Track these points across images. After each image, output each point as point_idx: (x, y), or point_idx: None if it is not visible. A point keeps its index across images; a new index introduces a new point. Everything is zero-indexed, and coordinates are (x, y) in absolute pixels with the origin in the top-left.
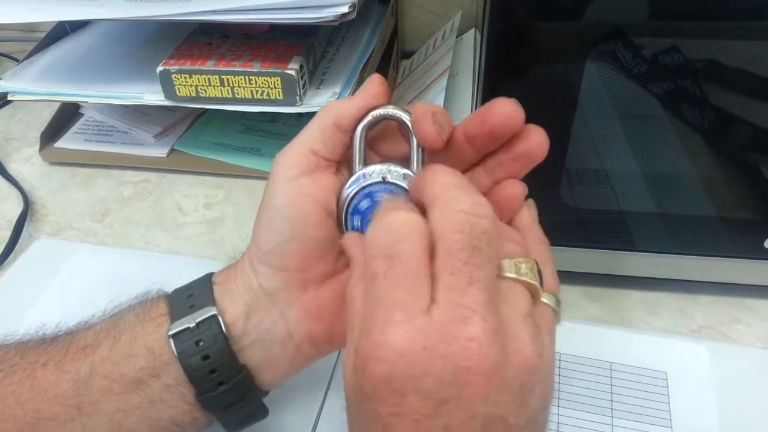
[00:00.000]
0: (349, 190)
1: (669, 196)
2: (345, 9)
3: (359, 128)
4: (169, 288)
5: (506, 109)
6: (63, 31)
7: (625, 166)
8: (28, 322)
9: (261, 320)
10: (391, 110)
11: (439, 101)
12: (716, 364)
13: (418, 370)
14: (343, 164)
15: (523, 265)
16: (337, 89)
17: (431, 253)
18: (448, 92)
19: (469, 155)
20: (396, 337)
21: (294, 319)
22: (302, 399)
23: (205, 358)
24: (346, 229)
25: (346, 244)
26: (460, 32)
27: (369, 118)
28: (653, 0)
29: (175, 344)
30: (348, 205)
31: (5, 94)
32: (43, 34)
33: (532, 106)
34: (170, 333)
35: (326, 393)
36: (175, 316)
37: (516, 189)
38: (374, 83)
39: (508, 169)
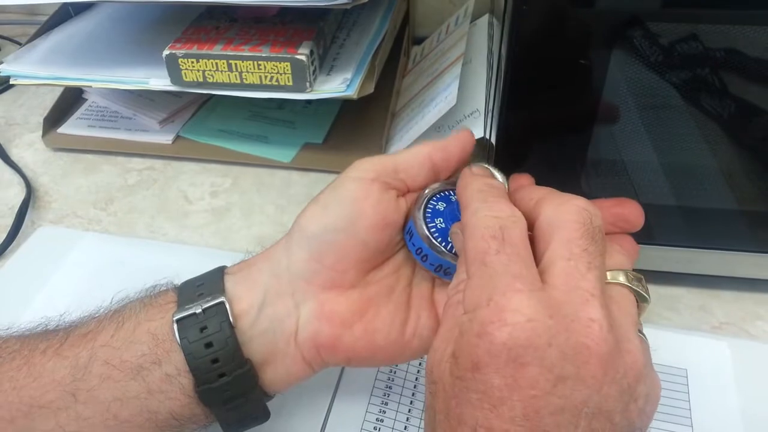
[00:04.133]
0: (426, 192)
1: (688, 188)
2: None
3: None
4: (178, 279)
5: (634, 212)
6: (66, 13)
7: (644, 157)
8: (30, 311)
9: (277, 308)
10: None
11: (453, 89)
12: (738, 362)
13: (543, 338)
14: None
15: (632, 276)
16: (348, 75)
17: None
18: (462, 80)
19: None
20: (523, 302)
21: (306, 316)
22: (308, 404)
23: (209, 345)
24: (426, 227)
25: (454, 231)
26: (474, 18)
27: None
28: None
29: (179, 329)
30: (425, 206)
31: (7, 78)
32: (46, 17)
33: (556, 95)
34: (175, 318)
35: (333, 398)
36: (182, 303)
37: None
38: (465, 139)
39: None
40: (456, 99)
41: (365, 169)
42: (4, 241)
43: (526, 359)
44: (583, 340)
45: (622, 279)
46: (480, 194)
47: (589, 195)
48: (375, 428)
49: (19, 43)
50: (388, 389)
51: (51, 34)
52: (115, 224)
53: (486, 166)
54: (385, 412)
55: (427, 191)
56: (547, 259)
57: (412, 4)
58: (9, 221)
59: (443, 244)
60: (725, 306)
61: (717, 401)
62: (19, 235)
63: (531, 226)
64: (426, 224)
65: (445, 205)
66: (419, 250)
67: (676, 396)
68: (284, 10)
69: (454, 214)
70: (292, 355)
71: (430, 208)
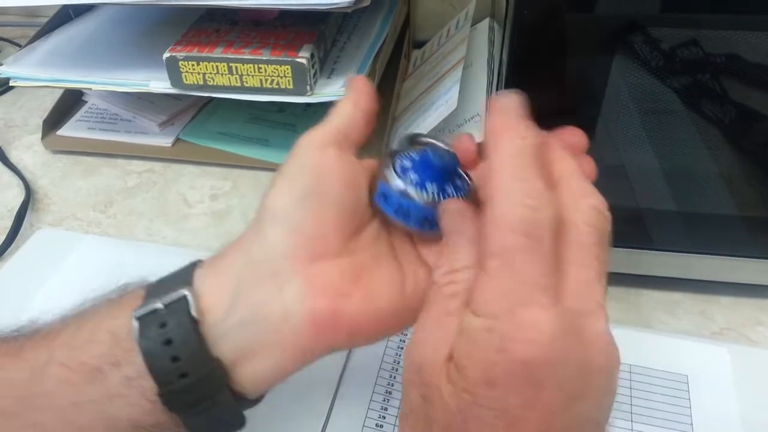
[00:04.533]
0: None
1: (688, 193)
2: None
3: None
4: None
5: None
6: (66, 15)
7: (644, 161)
8: (29, 314)
9: (254, 295)
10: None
11: (454, 93)
12: (738, 368)
13: (560, 358)
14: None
15: None
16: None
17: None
18: (462, 83)
19: None
20: (547, 321)
21: (294, 296)
22: (308, 408)
23: (168, 342)
24: (401, 181)
25: (454, 209)
26: (474, 21)
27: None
28: None
29: (139, 327)
30: (393, 165)
31: (7, 80)
32: (46, 19)
33: (556, 100)
34: (135, 315)
35: (333, 402)
36: (147, 299)
37: (577, 137)
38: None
39: None
40: (457, 103)
41: (312, 139)
42: (2, 243)
43: (544, 379)
44: (592, 356)
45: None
46: (515, 162)
47: None
48: None
49: (19, 45)
50: (388, 394)
51: (51, 36)
52: (114, 227)
53: (510, 95)
54: (385, 417)
55: (388, 154)
56: (559, 260)
57: (413, 7)
58: (8, 223)
59: (424, 193)
60: (725, 312)
61: (718, 407)
62: (18, 237)
63: None
64: (400, 178)
65: (410, 163)
66: (399, 208)
67: (677, 402)
68: (285, 14)
69: (423, 167)
70: (283, 344)
71: (397, 165)
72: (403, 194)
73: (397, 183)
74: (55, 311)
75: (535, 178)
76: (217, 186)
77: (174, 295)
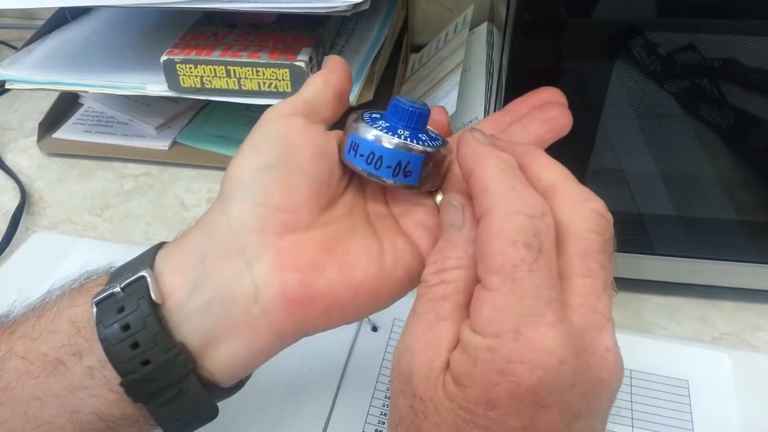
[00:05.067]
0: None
1: (688, 198)
2: None
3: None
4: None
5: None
6: (63, 18)
7: (643, 166)
8: None
9: (220, 272)
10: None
11: (452, 96)
12: (739, 373)
13: (569, 381)
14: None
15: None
16: None
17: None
18: (461, 87)
19: None
20: (555, 340)
21: (265, 270)
22: (308, 412)
23: (126, 327)
24: (371, 126)
25: (455, 203)
26: (473, 26)
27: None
28: None
29: (96, 313)
30: (361, 118)
31: (3, 83)
32: (42, 21)
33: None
34: (94, 300)
35: (333, 405)
36: (108, 285)
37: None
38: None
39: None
40: (455, 106)
41: (280, 109)
42: None
43: (549, 402)
44: (600, 375)
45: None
46: (502, 176)
47: None
48: None
49: (15, 48)
50: (387, 399)
51: (47, 39)
52: (110, 231)
53: (481, 130)
54: (384, 423)
55: (355, 115)
56: (562, 272)
57: (411, 11)
58: (3, 227)
59: (395, 138)
60: (726, 317)
61: (719, 413)
62: (13, 241)
63: None
64: (370, 126)
65: (379, 114)
66: (371, 157)
67: (677, 408)
68: (283, 17)
69: (394, 114)
70: (253, 324)
71: (366, 116)
72: (375, 140)
73: (367, 129)
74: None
75: (526, 187)
76: (215, 189)
77: (131, 277)
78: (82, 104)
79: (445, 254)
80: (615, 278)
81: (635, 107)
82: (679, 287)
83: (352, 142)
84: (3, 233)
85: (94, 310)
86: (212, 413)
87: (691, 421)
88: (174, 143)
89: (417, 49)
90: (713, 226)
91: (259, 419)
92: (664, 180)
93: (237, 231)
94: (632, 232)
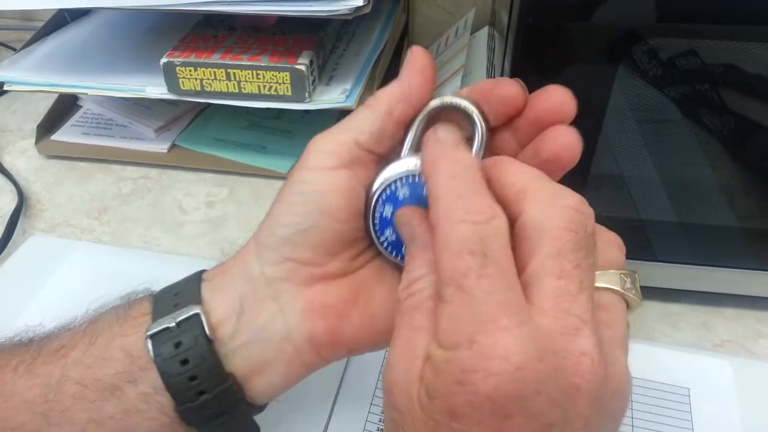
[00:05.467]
0: (392, 173)
1: (689, 204)
2: (360, 2)
3: (420, 115)
4: (158, 286)
5: (558, 96)
6: (62, 19)
7: (644, 172)
8: (21, 322)
9: (257, 315)
10: (457, 100)
11: None
12: (741, 381)
13: (532, 387)
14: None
15: (627, 279)
16: (348, 86)
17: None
18: None
19: (513, 150)
20: (509, 346)
21: (295, 316)
22: (307, 416)
23: (185, 362)
24: (372, 217)
25: (404, 219)
26: (473, 30)
27: (437, 103)
28: (682, 2)
29: (153, 346)
30: (384, 189)
31: (1, 84)
32: (41, 23)
33: None
34: (148, 333)
35: (332, 408)
36: (156, 315)
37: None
38: (424, 59)
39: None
40: None
41: (325, 154)
42: None
43: (512, 411)
44: (573, 380)
45: (615, 285)
46: (453, 183)
47: (595, 211)
48: None
49: (14, 49)
50: None
51: (46, 40)
52: (108, 234)
53: (448, 126)
54: (382, 431)
55: (380, 179)
56: (533, 273)
57: (412, 15)
58: (0, 230)
59: (398, 257)
60: (727, 324)
61: (720, 421)
62: (10, 244)
63: (512, 222)
64: (376, 231)
65: (407, 191)
66: (388, 244)
67: (678, 416)
68: (283, 20)
69: (398, 203)
70: (288, 360)
71: (377, 213)
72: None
73: (373, 237)
74: (56, 319)
75: (475, 193)
76: (214, 193)
77: (185, 313)
78: (81, 106)
79: (409, 269)
80: None
81: (636, 113)
82: (680, 294)
83: (375, 225)
84: (0, 236)
85: (150, 343)
86: (255, 430)
87: (692, 429)
88: (173, 146)
89: None
90: (715, 232)
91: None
92: (665, 186)
93: (268, 278)
94: (633, 239)
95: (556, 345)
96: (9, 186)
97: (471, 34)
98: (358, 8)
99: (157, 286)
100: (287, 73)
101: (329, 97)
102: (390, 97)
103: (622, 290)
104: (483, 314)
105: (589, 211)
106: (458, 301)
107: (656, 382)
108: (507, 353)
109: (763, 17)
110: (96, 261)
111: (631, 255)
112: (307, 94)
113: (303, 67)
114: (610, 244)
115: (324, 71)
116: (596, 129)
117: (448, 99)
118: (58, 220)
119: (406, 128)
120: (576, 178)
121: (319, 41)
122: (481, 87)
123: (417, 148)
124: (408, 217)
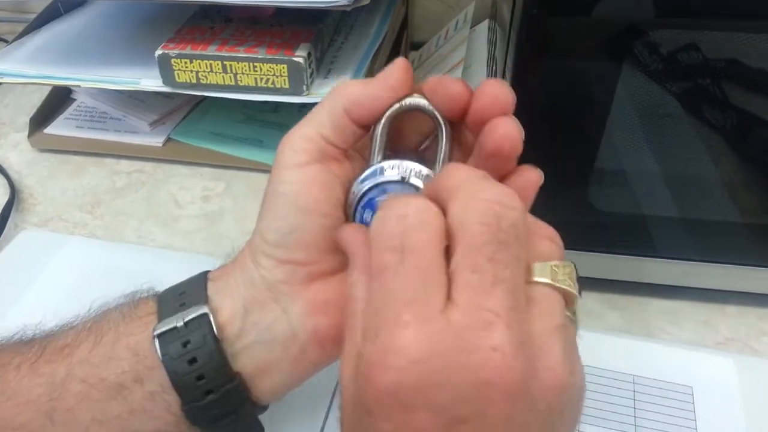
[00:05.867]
0: (363, 184)
1: (691, 200)
2: None
3: (383, 119)
4: (162, 287)
5: (492, 89)
6: (56, 11)
7: (645, 167)
8: (12, 318)
9: (261, 317)
10: (421, 101)
11: None
12: (744, 379)
13: (431, 381)
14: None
15: (560, 270)
16: (346, 79)
17: (448, 250)
18: None
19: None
20: (407, 341)
21: (298, 315)
22: (304, 414)
23: (192, 361)
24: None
25: (341, 236)
26: (473, 23)
27: (395, 107)
28: None
29: (160, 345)
30: (360, 200)
31: None
32: (34, 15)
33: (563, 103)
34: (156, 333)
35: (329, 407)
36: (163, 314)
37: (532, 175)
38: (397, 71)
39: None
40: None
41: (295, 151)
42: None
43: (414, 404)
44: (483, 376)
45: (546, 278)
46: (397, 195)
47: (589, 206)
48: None
49: (7, 41)
50: None
51: (40, 32)
52: (101, 228)
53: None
54: None
55: (354, 190)
56: (453, 269)
57: (411, 8)
58: None
59: None
60: (730, 321)
61: (723, 420)
62: (2, 238)
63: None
64: (358, 220)
65: (369, 210)
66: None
67: (681, 414)
68: (281, 11)
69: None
70: (294, 359)
71: (364, 202)
72: None
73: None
74: (48, 314)
75: (408, 199)
76: (210, 187)
77: (193, 312)
78: (75, 99)
79: (347, 274)
80: (617, 281)
81: (639, 108)
82: (682, 291)
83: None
84: None
85: (157, 342)
86: (259, 430)
87: (696, 429)
88: (168, 140)
89: (416, 46)
90: (717, 228)
91: None
92: (667, 182)
93: (268, 282)
94: (635, 235)
95: (464, 340)
96: (1, 180)
97: (471, 27)
98: (357, 0)
99: (152, 282)
100: (285, 66)
101: (327, 90)
102: (346, 98)
103: (552, 282)
104: (390, 309)
105: (512, 203)
106: (376, 296)
107: (659, 381)
108: (402, 347)
109: (764, 10)
110: (89, 256)
111: (632, 251)
112: (304, 87)
113: (301, 60)
114: (542, 237)
115: (322, 64)
116: (601, 124)
117: (408, 101)
118: (51, 214)
119: (372, 128)
120: (580, 174)
121: (317, 33)
122: (429, 85)
123: (383, 150)
124: (345, 234)
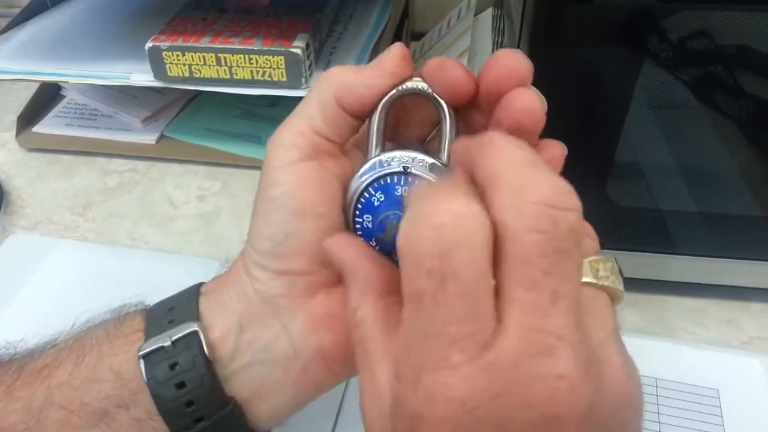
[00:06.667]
0: (361, 180)
1: (711, 193)
2: None
3: (379, 106)
4: (158, 293)
5: (505, 59)
6: (43, 4)
7: (664, 160)
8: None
9: (258, 335)
10: (420, 84)
11: None
12: None
13: (490, 426)
14: (355, 145)
15: (601, 266)
16: None
17: (494, 257)
18: None
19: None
20: (458, 387)
21: (300, 332)
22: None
23: (181, 385)
24: (354, 230)
25: (332, 251)
26: (477, 11)
27: (392, 93)
28: None
29: (145, 367)
30: (358, 200)
31: None
32: (20, 8)
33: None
34: (141, 353)
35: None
36: (150, 332)
37: (557, 150)
38: (393, 56)
39: None
40: None
41: (286, 148)
42: None
43: None
44: (551, 411)
45: (589, 277)
46: (429, 185)
47: (605, 201)
48: None
49: None
50: None
51: (25, 26)
52: (93, 231)
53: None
54: None
55: (351, 190)
56: (502, 284)
57: None
58: None
59: (380, 233)
60: (755, 319)
61: (753, 423)
62: None
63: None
64: (360, 228)
65: (382, 196)
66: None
67: (708, 419)
68: (277, 1)
69: (373, 208)
70: (294, 380)
71: (362, 202)
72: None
73: (351, 227)
74: (37, 323)
75: (445, 188)
76: (205, 186)
77: (182, 330)
78: (64, 96)
79: (347, 299)
80: (636, 279)
81: (658, 99)
82: (704, 288)
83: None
84: None
85: (142, 363)
86: None
87: None
88: (161, 137)
89: (417, 36)
90: (738, 222)
91: None
92: (684, 175)
93: (264, 296)
94: (653, 231)
95: (524, 372)
96: None
97: (474, 15)
98: None
99: (147, 288)
100: (282, 57)
101: None
102: (336, 86)
103: (596, 281)
104: (431, 348)
105: (569, 203)
106: (413, 327)
107: (683, 384)
108: (453, 395)
109: None
110: (80, 260)
111: (651, 248)
112: (303, 80)
113: (299, 51)
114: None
115: (321, 55)
116: (622, 115)
117: (407, 84)
118: (41, 217)
119: (368, 119)
120: (598, 168)
121: (315, 23)
122: (429, 68)
123: (382, 142)
124: (335, 246)
